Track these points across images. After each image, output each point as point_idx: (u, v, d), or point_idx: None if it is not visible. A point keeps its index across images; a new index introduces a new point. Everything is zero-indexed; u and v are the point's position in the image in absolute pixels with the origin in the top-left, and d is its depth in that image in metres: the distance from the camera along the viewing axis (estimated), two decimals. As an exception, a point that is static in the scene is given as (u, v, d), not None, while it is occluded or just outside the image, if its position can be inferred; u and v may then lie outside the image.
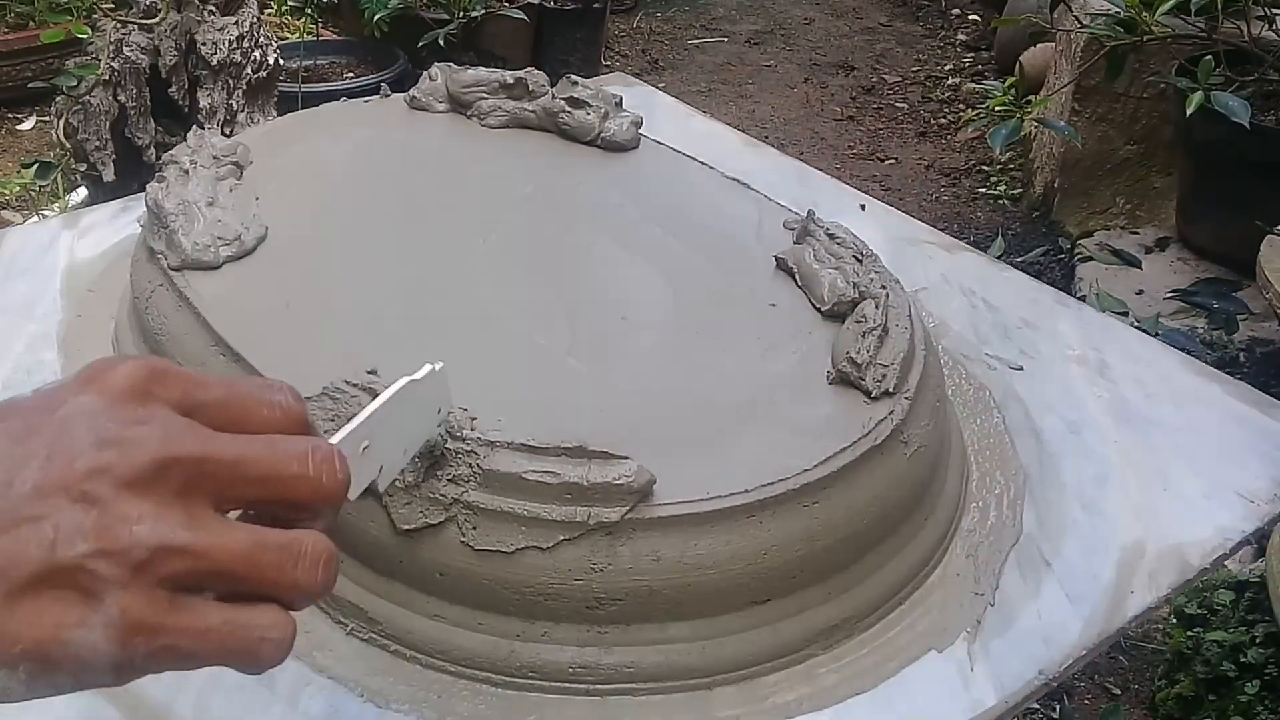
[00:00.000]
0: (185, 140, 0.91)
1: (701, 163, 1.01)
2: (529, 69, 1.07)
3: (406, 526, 0.62)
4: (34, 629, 0.35)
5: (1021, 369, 0.92)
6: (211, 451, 0.38)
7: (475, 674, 0.63)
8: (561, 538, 0.61)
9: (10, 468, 0.36)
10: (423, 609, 0.63)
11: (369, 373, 0.67)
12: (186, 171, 0.87)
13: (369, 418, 0.52)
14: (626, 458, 0.62)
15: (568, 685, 0.62)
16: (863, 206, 1.15)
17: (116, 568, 0.36)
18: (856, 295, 0.78)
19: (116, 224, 1.05)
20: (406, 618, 0.64)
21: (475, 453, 0.61)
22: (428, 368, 0.57)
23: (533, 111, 1.03)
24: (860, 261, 0.82)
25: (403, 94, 1.09)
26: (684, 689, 0.63)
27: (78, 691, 0.37)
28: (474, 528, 0.61)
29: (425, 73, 1.08)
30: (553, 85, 1.06)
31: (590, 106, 1.02)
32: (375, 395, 0.65)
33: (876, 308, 0.75)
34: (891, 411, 0.70)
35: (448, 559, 0.62)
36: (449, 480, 0.61)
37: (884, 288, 0.78)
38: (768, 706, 0.63)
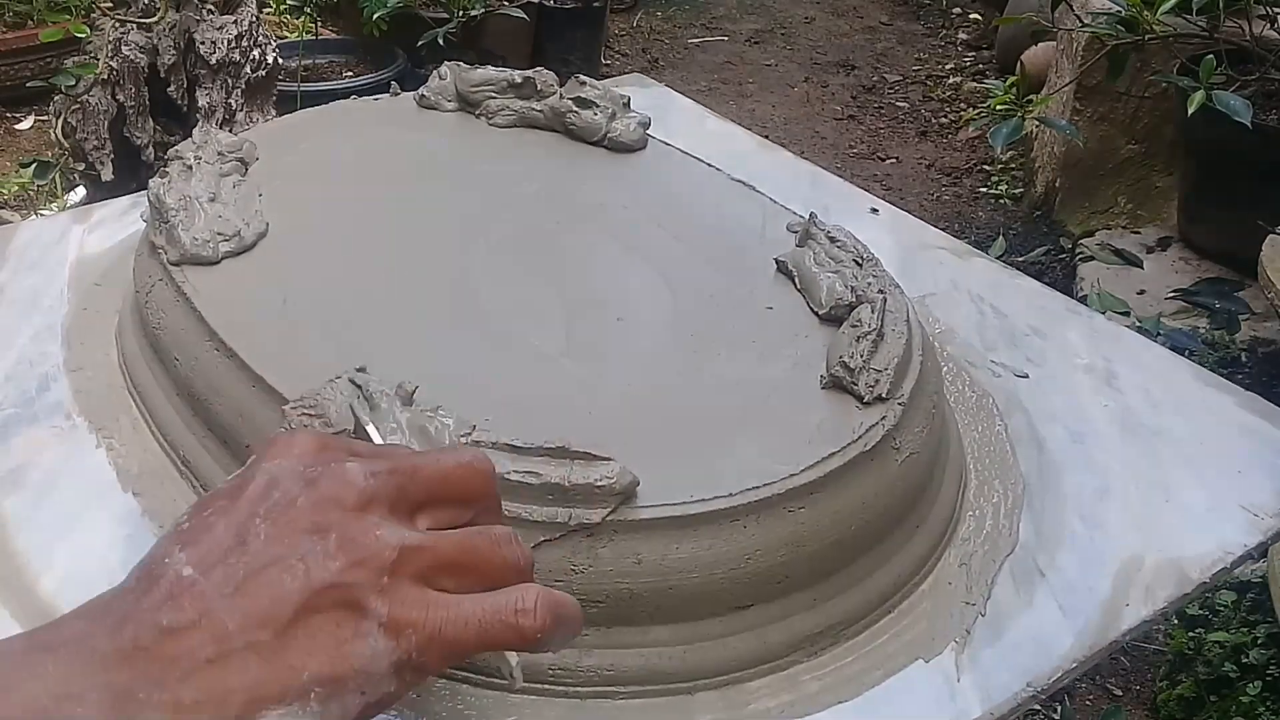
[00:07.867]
0: (190, 137, 0.91)
1: (708, 164, 1.00)
2: (538, 68, 1.07)
3: (388, 524, 0.61)
4: (316, 652, 0.38)
5: (1027, 376, 0.91)
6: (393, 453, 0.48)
7: (453, 674, 0.62)
8: (542, 538, 0.60)
9: (234, 530, 0.40)
10: (404, 607, 0.63)
11: (358, 370, 0.67)
12: (190, 167, 0.88)
13: None
14: (610, 459, 0.61)
15: (546, 687, 0.62)
16: (875, 210, 1.14)
17: (371, 573, 0.39)
18: (853, 299, 0.77)
19: (126, 219, 1.06)
20: (387, 615, 0.63)
21: (457, 451, 0.61)
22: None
23: (540, 111, 1.03)
24: (860, 265, 0.81)
25: (412, 93, 1.09)
26: (664, 693, 0.63)
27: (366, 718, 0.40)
28: (455, 527, 0.61)
29: (435, 71, 1.08)
30: (561, 85, 1.05)
31: (598, 107, 1.02)
32: (362, 391, 0.65)
33: (872, 312, 0.74)
34: (884, 417, 0.69)
35: (428, 557, 0.62)
36: (431, 478, 0.61)
37: (881, 292, 0.77)
38: (749, 713, 0.63)
